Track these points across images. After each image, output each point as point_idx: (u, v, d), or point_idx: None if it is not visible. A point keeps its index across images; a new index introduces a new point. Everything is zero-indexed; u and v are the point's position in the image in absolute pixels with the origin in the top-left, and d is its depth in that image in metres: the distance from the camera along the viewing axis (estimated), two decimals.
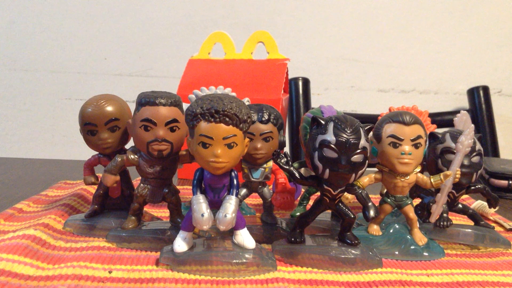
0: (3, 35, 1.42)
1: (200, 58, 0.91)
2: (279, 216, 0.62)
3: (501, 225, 0.65)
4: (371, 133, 0.50)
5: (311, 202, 0.61)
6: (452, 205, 0.57)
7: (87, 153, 0.58)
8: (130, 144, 0.55)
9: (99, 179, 0.57)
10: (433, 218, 0.55)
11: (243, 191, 0.55)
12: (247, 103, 0.55)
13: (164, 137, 0.48)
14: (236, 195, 0.46)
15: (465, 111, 0.58)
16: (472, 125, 0.53)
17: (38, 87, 1.45)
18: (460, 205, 0.58)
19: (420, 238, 0.52)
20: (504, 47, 1.42)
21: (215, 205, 0.46)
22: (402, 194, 0.52)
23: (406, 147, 0.49)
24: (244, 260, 0.45)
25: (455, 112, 0.65)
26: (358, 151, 0.45)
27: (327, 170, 0.45)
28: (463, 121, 0.58)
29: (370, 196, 0.50)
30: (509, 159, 1.00)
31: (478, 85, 1.35)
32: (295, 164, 0.59)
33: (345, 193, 0.49)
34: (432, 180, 0.51)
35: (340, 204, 0.49)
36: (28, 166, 0.96)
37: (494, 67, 1.43)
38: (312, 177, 0.49)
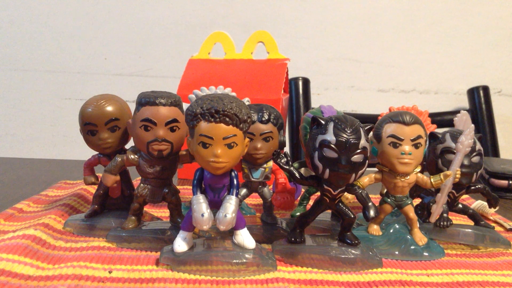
0: (3, 35, 1.42)
1: (200, 58, 0.91)
2: (279, 216, 0.62)
3: (501, 225, 0.65)
4: (371, 133, 0.50)
5: (311, 202, 0.61)
6: (452, 205, 0.57)
7: (87, 153, 0.58)
8: (130, 144, 0.55)
9: (99, 179, 0.57)
10: (433, 218, 0.55)
11: (243, 191, 0.55)
12: (247, 103, 0.55)
13: (164, 137, 0.48)
14: (236, 195, 0.46)
15: (465, 111, 0.58)
16: (472, 125, 0.53)
17: (38, 87, 1.45)
18: (460, 205, 0.58)
19: (420, 238, 0.52)
20: (504, 47, 1.42)
21: (215, 205, 0.46)
22: (402, 194, 0.52)
23: (406, 147, 0.49)
24: (244, 260, 0.45)
25: (455, 112, 0.65)
26: (358, 151, 0.45)
27: (327, 170, 0.45)
28: (463, 121, 0.58)
29: (370, 196, 0.50)
30: (509, 159, 1.00)
31: (478, 85, 1.35)
32: (295, 164, 0.59)
33: (345, 193, 0.49)
34: (432, 180, 0.51)
35: (340, 204, 0.49)
36: (28, 166, 0.96)
37: (494, 67, 1.43)
38: (312, 177, 0.49)
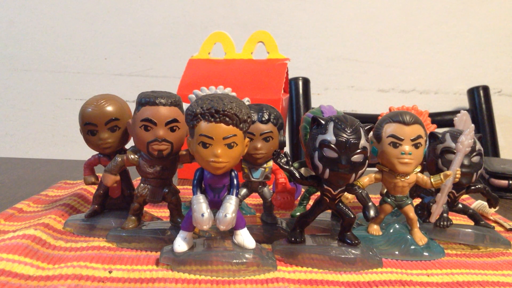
0: (3, 35, 1.42)
1: (200, 58, 0.91)
2: (279, 216, 0.62)
3: (501, 225, 0.65)
4: (371, 133, 0.50)
5: (311, 202, 0.61)
6: (452, 205, 0.57)
7: (87, 153, 0.58)
8: (130, 144, 0.55)
9: (99, 179, 0.57)
10: (433, 218, 0.55)
11: (243, 191, 0.55)
12: (247, 103, 0.55)
13: (164, 137, 0.48)
14: (236, 195, 0.46)
15: (465, 111, 0.58)
16: (472, 125, 0.53)
17: (38, 87, 1.45)
18: (460, 205, 0.58)
19: (420, 238, 0.52)
20: (504, 47, 1.42)
21: (215, 205, 0.46)
22: (402, 194, 0.52)
23: (406, 147, 0.49)
24: (244, 260, 0.45)
25: (455, 112, 0.65)
26: (358, 151, 0.45)
27: (327, 170, 0.45)
28: (463, 121, 0.58)
29: (370, 196, 0.50)
30: (509, 159, 1.00)
31: (478, 85, 1.35)
32: (295, 164, 0.59)
33: (345, 193, 0.49)
34: (432, 180, 0.51)
35: (340, 204, 0.49)
36: (28, 166, 0.96)
37: (494, 67, 1.43)
38: (312, 177, 0.49)
